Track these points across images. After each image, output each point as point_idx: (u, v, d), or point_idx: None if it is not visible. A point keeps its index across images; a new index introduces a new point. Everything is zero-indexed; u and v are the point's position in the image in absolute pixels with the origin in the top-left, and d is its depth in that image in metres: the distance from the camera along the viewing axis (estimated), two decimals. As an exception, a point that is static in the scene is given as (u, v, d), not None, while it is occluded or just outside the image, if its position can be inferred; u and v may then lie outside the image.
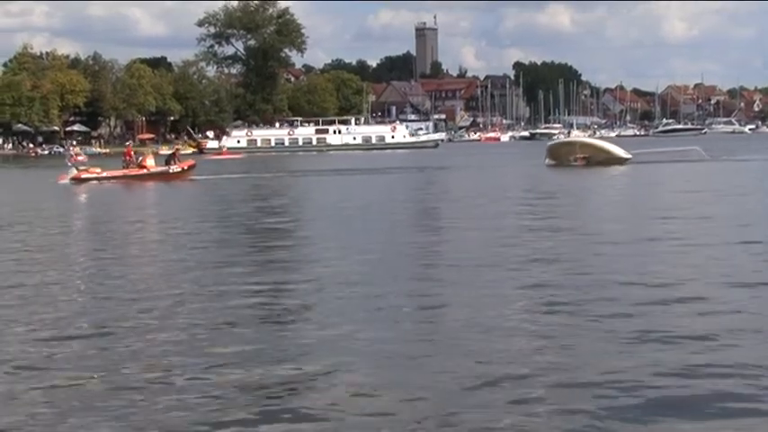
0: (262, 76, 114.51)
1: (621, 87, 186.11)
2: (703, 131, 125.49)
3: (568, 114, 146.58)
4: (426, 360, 6.92)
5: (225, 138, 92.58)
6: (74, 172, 34.49)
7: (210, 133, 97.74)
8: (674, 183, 29.46)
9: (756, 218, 17.07)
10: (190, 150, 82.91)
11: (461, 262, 11.84)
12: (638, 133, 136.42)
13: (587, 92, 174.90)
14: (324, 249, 13.68)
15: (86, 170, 35.14)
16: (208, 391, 6.21)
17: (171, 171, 35.18)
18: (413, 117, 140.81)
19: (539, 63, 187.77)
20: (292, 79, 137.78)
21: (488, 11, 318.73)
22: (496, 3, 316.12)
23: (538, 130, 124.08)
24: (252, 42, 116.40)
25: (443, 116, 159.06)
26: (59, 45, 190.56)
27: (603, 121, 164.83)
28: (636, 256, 12.14)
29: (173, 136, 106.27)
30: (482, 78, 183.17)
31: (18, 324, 8.52)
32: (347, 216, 19.62)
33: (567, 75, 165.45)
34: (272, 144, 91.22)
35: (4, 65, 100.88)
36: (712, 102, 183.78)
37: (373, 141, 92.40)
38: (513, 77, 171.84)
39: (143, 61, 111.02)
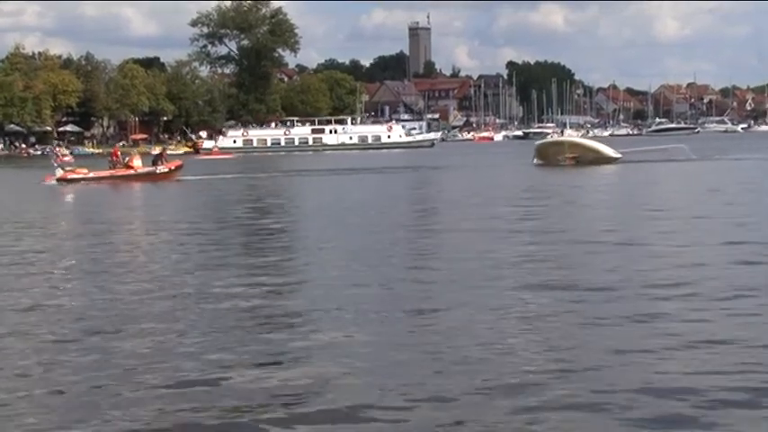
0: (255, 75, 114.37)
1: (614, 87, 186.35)
2: (696, 130, 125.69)
3: (562, 114, 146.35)
4: (422, 362, 6.88)
5: (221, 138, 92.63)
6: (60, 172, 34.31)
7: (204, 133, 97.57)
8: (665, 182, 29.51)
9: (744, 217, 17.05)
10: (182, 151, 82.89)
11: (455, 263, 11.79)
12: (631, 132, 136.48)
13: (580, 91, 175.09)
14: (314, 251, 13.64)
15: (73, 171, 34.87)
16: (201, 395, 6.16)
17: (158, 171, 35.08)
18: (406, 117, 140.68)
19: (532, 62, 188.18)
20: (285, 79, 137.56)
21: (482, 10, 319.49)
22: (490, 2, 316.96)
23: (531, 130, 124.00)
24: (245, 42, 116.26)
25: (437, 116, 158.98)
26: (51, 45, 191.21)
27: (597, 121, 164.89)
28: (626, 257, 12.10)
29: (166, 136, 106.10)
30: (475, 78, 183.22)
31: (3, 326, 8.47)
32: (341, 216, 19.52)
33: (561, 74, 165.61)
34: (269, 144, 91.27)
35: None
36: (705, 101, 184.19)
37: (369, 141, 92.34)
38: (506, 77, 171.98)
39: (136, 61, 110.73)
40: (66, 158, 36.48)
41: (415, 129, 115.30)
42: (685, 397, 5.91)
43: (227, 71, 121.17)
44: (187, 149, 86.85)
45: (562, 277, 10.49)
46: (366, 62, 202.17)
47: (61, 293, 10.38)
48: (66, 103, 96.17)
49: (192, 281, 10.95)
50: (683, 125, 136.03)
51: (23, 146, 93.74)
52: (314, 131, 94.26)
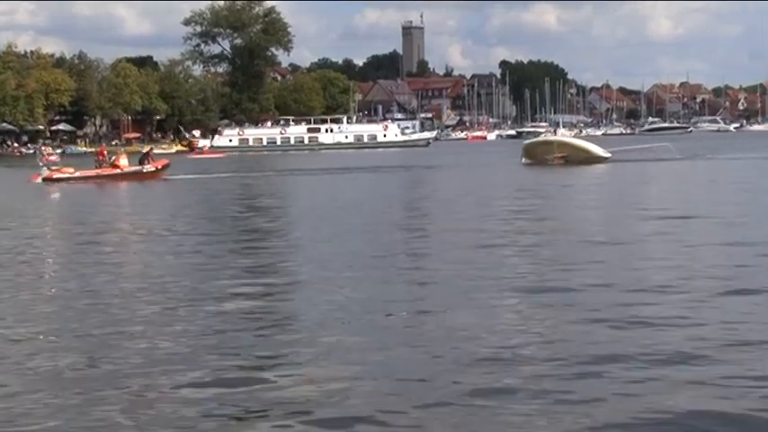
0: (248, 74, 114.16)
1: (608, 86, 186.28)
2: (689, 130, 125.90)
3: (555, 113, 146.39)
4: (419, 364, 6.84)
5: (216, 137, 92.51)
6: (46, 172, 34.12)
7: (197, 132, 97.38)
8: (654, 181, 29.55)
9: (735, 217, 17.10)
10: (173, 150, 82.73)
11: (449, 264, 11.77)
12: (624, 132, 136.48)
13: (573, 90, 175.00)
14: (304, 251, 13.60)
15: (58, 170, 34.73)
16: (191, 401, 6.13)
17: (144, 171, 35.00)
18: (399, 116, 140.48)
19: (525, 62, 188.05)
20: (279, 78, 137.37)
21: (475, 9, 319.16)
22: (482, 2, 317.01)
23: (524, 129, 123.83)
24: (238, 41, 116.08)
25: (430, 115, 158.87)
26: (44, 44, 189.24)
27: (590, 120, 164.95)
28: (616, 256, 12.12)
29: (159, 135, 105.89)
30: (468, 77, 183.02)
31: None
32: (334, 216, 19.48)
33: (554, 73, 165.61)
34: (264, 143, 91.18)
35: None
36: (698, 100, 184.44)
37: (365, 140, 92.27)
38: (499, 76, 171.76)
39: (129, 60, 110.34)
40: (51, 158, 36.29)
41: (408, 128, 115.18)
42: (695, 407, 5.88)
43: (220, 70, 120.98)
44: (180, 148, 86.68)
45: (557, 278, 10.47)
46: (359, 61, 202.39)
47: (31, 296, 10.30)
48: (58, 102, 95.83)
49: (177, 284, 10.85)
50: (675, 124, 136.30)
51: (15, 145, 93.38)
52: (310, 131, 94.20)
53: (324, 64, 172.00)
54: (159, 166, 35.70)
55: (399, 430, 5.51)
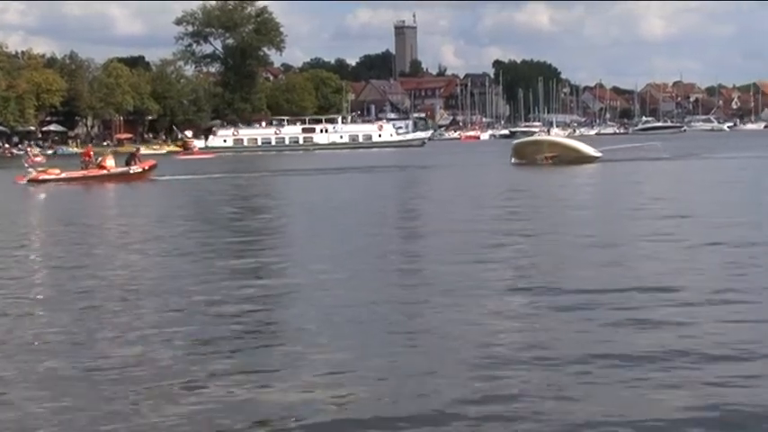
0: (240, 74, 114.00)
1: (601, 85, 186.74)
2: (682, 129, 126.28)
3: (548, 112, 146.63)
4: (415, 369, 6.75)
5: (211, 137, 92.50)
6: (32, 173, 33.85)
7: (189, 132, 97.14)
8: (646, 181, 29.50)
9: (725, 217, 16.99)
10: (164, 150, 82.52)
11: (443, 265, 11.61)
12: (617, 131, 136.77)
13: (567, 90, 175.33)
14: (301, 253, 13.40)
15: (44, 171, 34.48)
16: (183, 407, 5.97)
17: (131, 172, 34.77)
18: (392, 116, 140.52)
19: (518, 61, 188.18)
20: (271, 78, 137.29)
21: (467, 9, 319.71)
22: (475, 2, 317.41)
23: (517, 129, 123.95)
24: (230, 41, 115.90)
25: (423, 115, 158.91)
26: (35, 44, 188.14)
27: (583, 119, 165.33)
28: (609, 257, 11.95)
29: (151, 135, 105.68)
30: (461, 77, 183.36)
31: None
32: (328, 217, 19.29)
33: (547, 73, 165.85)
34: (259, 143, 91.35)
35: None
36: (691, 99, 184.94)
37: (360, 140, 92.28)
38: (492, 76, 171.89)
39: (120, 60, 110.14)
40: (37, 159, 36.10)
41: (401, 128, 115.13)
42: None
43: (212, 70, 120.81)
44: (173, 149, 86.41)
45: (553, 279, 10.36)
46: (352, 61, 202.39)
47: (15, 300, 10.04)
48: (49, 103, 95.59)
49: (165, 287, 10.66)
50: (669, 124, 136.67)
51: (6, 145, 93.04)
52: (304, 131, 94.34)
53: (316, 64, 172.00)
54: (146, 167, 35.48)
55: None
